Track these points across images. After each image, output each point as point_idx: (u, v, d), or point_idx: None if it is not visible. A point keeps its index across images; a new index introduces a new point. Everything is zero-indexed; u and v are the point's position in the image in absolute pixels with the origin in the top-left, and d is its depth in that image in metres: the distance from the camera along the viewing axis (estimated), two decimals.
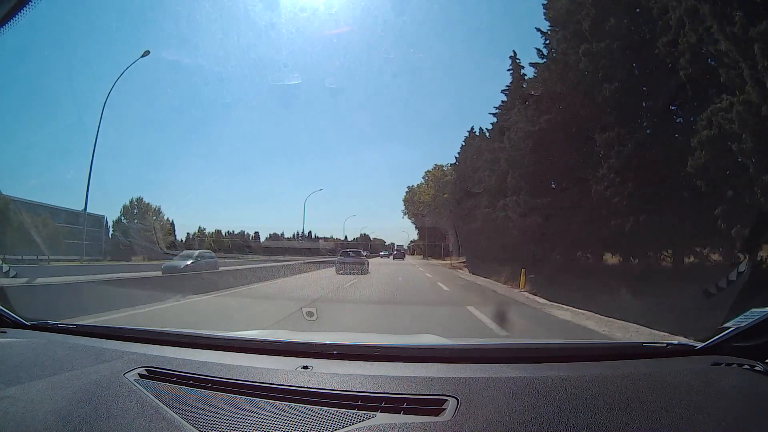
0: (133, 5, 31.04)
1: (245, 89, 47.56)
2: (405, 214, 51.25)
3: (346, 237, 63.42)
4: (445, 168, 42.09)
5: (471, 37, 48.91)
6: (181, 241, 46.64)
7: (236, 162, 71.12)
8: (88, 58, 38.31)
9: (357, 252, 22.10)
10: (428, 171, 44.55)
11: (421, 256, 55.80)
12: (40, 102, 43.42)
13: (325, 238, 64.07)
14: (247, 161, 70.32)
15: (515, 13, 35.05)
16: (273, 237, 63.08)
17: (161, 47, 29.10)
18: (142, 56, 20.76)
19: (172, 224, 46.99)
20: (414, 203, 47.26)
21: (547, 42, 15.86)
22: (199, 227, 54.40)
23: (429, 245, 54.97)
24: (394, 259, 44.27)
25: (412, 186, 49.34)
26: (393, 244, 65.06)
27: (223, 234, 58.14)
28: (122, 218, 42.99)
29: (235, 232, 61.64)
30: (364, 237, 68.53)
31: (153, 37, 34.54)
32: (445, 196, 37.54)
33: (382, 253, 54.00)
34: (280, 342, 2.01)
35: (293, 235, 64.05)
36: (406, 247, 63.38)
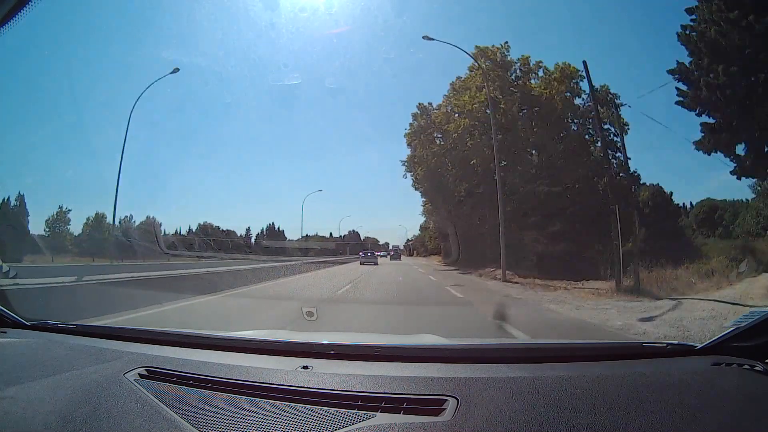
0: (132, 5, 30.99)
1: (245, 89, 47.22)
2: (407, 171, 28.01)
3: (341, 236, 59.95)
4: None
5: (471, 37, 48.92)
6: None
7: (235, 162, 70.71)
8: (87, 58, 38.17)
9: (372, 252, 35.55)
10: (480, 47, 21.04)
11: (439, 259, 36.96)
12: (39, 102, 42.84)
13: (309, 236, 58.30)
14: (246, 161, 70.08)
15: (515, 12, 35.01)
16: (208, 230, 40.67)
17: (161, 47, 29.00)
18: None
19: (21, 199, 29.83)
20: (424, 143, 24.74)
21: None
22: (60, 207, 34.11)
23: (432, 241, 40.25)
24: (391, 259, 43.75)
25: (427, 104, 25.58)
26: (387, 243, 63.38)
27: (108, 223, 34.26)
28: None
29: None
30: (354, 234, 63.74)
31: (153, 36, 34.41)
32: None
33: (381, 253, 52.60)
34: (280, 342, 2.01)
35: (262, 231, 57.02)
36: (402, 247, 61.51)
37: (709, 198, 24.53)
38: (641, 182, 20.57)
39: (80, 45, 33.29)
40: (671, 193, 21.98)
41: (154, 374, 1.59)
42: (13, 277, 7.60)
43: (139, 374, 1.58)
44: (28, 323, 2.26)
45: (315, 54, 28.27)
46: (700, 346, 1.74)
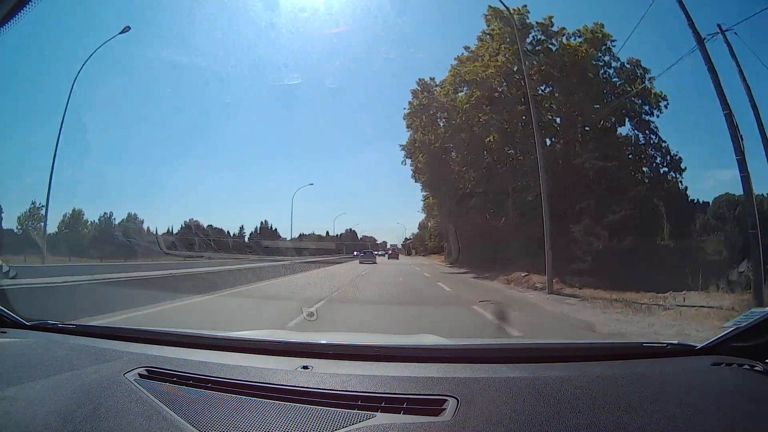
0: (133, 5, 31.01)
1: (245, 89, 47.34)
2: (406, 157, 24.77)
3: (338, 234, 59.32)
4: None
5: (471, 37, 48.85)
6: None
7: (233, 161, 70.68)
8: (86, 58, 38.11)
9: (370, 252, 37.72)
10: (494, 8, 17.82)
11: (440, 259, 34.23)
12: (38, 101, 42.53)
13: (304, 235, 53.81)
14: (245, 160, 70.04)
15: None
16: (200, 229, 36.75)
17: (161, 47, 29.02)
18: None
19: None
20: (425, 124, 21.66)
21: None
22: (33, 203, 31.56)
23: (432, 240, 39.65)
24: (389, 258, 43.62)
25: (428, 80, 22.08)
26: (385, 242, 63.02)
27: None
28: None
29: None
30: (351, 233, 62.51)
31: (153, 36, 34.40)
32: None
33: (379, 252, 51.76)
34: (280, 342, 2.02)
35: (255, 230, 52.16)
36: (401, 246, 61.09)
37: (727, 193, 23.48)
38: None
39: (80, 45, 33.33)
40: (686, 188, 19.79)
41: (154, 374, 1.59)
42: (13, 277, 7.59)
43: (139, 374, 1.58)
44: (28, 323, 2.26)
45: (315, 54, 28.35)
46: (700, 346, 1.74)
